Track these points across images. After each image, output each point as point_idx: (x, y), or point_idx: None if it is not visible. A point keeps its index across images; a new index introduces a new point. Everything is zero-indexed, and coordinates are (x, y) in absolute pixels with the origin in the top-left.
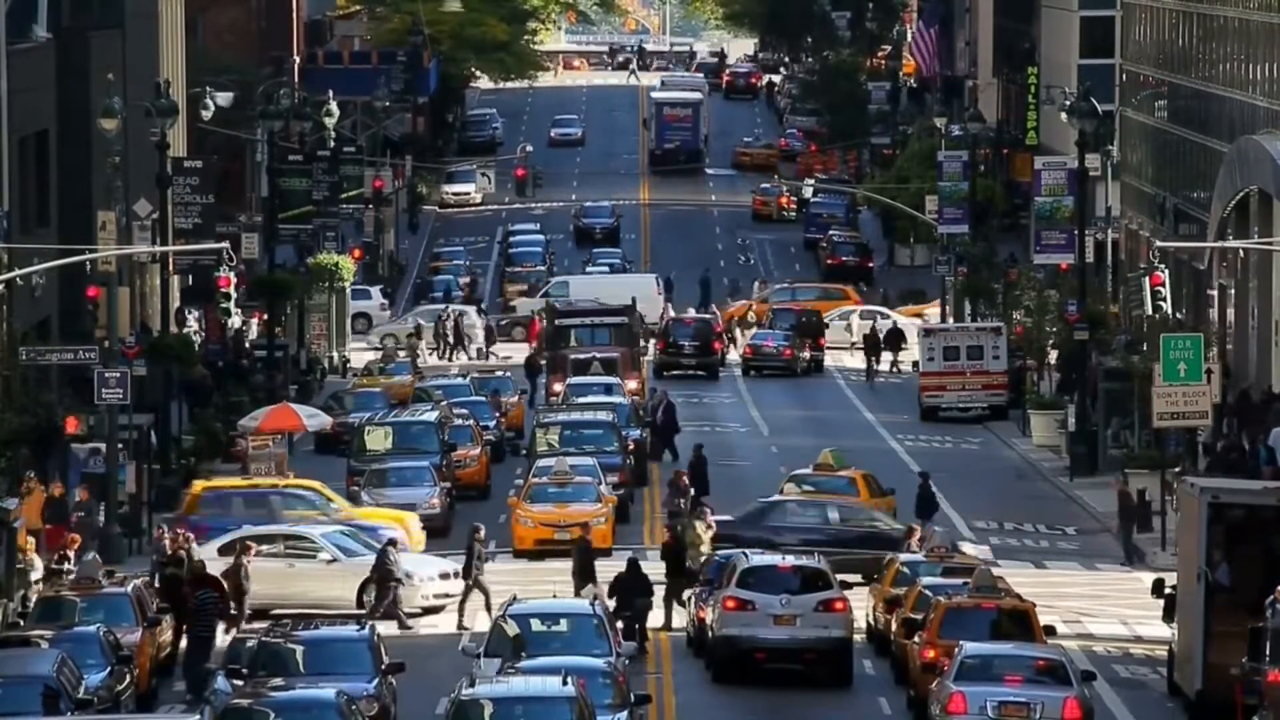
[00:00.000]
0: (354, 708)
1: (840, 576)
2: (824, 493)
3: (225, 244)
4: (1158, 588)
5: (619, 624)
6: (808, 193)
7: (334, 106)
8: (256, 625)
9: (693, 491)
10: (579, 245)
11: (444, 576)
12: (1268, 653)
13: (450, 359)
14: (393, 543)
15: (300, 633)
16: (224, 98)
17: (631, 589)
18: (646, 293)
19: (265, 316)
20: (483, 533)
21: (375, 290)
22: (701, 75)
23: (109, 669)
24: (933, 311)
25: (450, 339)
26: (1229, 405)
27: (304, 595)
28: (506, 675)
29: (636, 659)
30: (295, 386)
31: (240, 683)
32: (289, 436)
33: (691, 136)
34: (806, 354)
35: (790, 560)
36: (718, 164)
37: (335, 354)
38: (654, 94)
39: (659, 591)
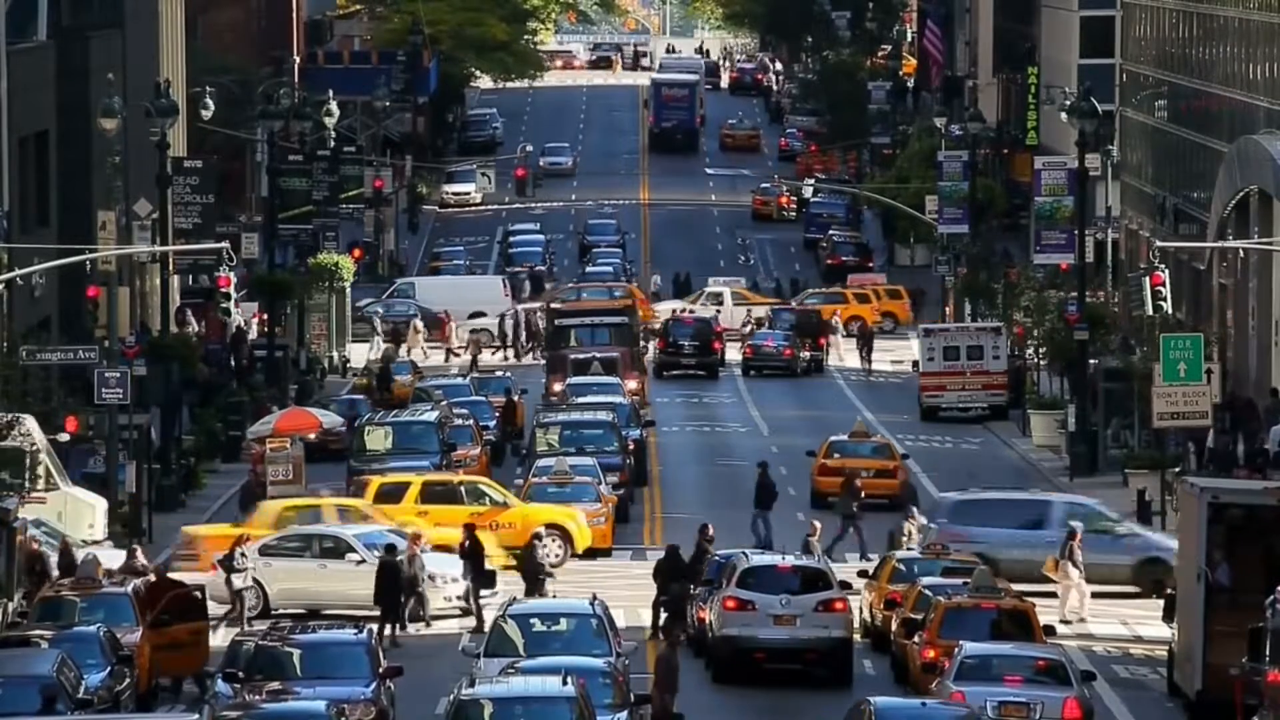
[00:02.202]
0: (344, 718)
1: None
2: (859, 457)
3: (225, 244)
4: (1158, 588)
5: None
6: (808, 193)
7: (334, 106)
8: (257, 627)
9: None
10: (581, 258)
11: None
12: (1268, 653)
13: (519, 358)
14: (538, 536)
15: (297, 636)
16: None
17: (669, 575)
18: (493, 295)
19: (265, 316)
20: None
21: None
22: (700, 58)
23: (109, 669)
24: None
25: (524, 336)
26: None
27: (334, 595)
28: (507, 675)
29: (682, 645)
30: (295, 387)
31: (237, 686)
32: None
33: (688, 116)
34: (806, 354)
35: (790, 560)
36: (717, 163)
37: (335, 354)
38: (653, 75)
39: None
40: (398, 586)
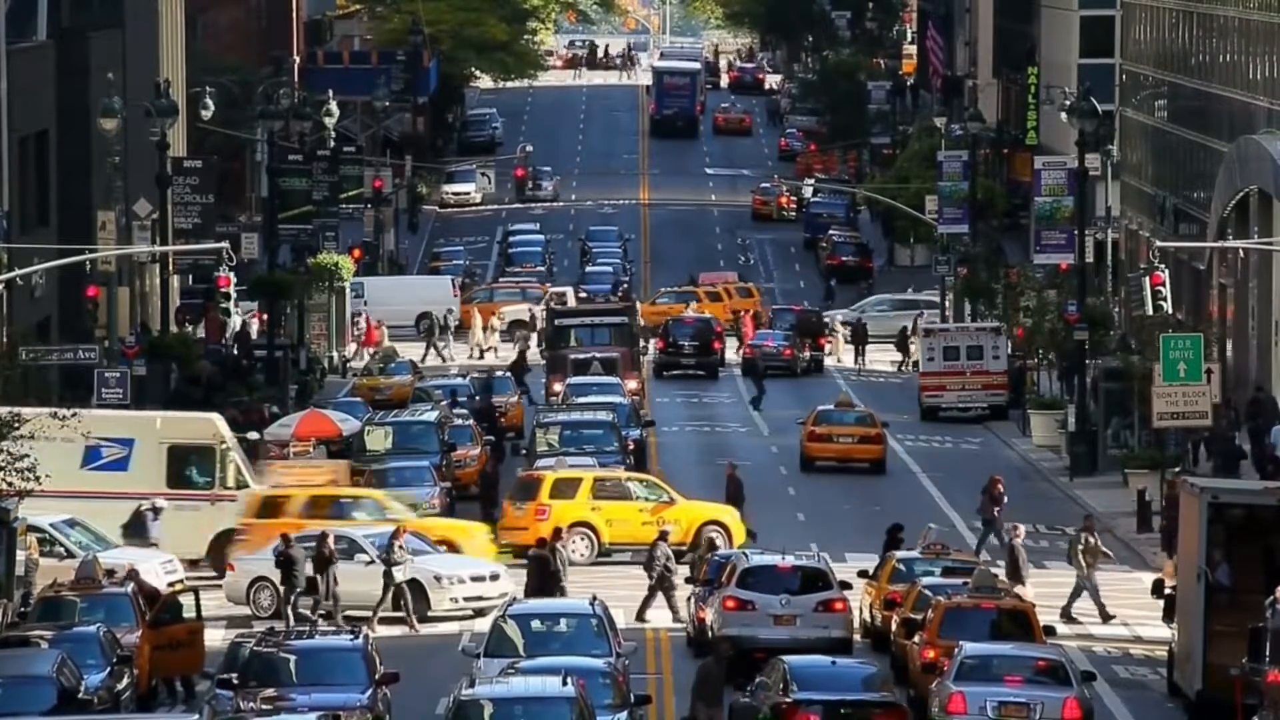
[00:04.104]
0: None
1: None
2: (844, 425)
3: (225, 244)
4: (1158, 588)
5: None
6: (808, 193)
7: (334, 106)
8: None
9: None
10: (582, 259)
11: (476, 579)
12: (1268, 653)
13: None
14: (664, 536)
15: (293, 642)
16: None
17: None
18: (442, 294)
19: (265, 316)
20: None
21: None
22: (701, 48)
23: (109, 669)
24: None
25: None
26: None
27: (344, 595)
28: (506, 676)
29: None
30: (295, 387)
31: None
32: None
33: (689, 103)
34: (806, 354)
35: (790, 560)
36: (716, 161)
37: (335, 354)
38: (655, 64)
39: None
40: (548, 580)
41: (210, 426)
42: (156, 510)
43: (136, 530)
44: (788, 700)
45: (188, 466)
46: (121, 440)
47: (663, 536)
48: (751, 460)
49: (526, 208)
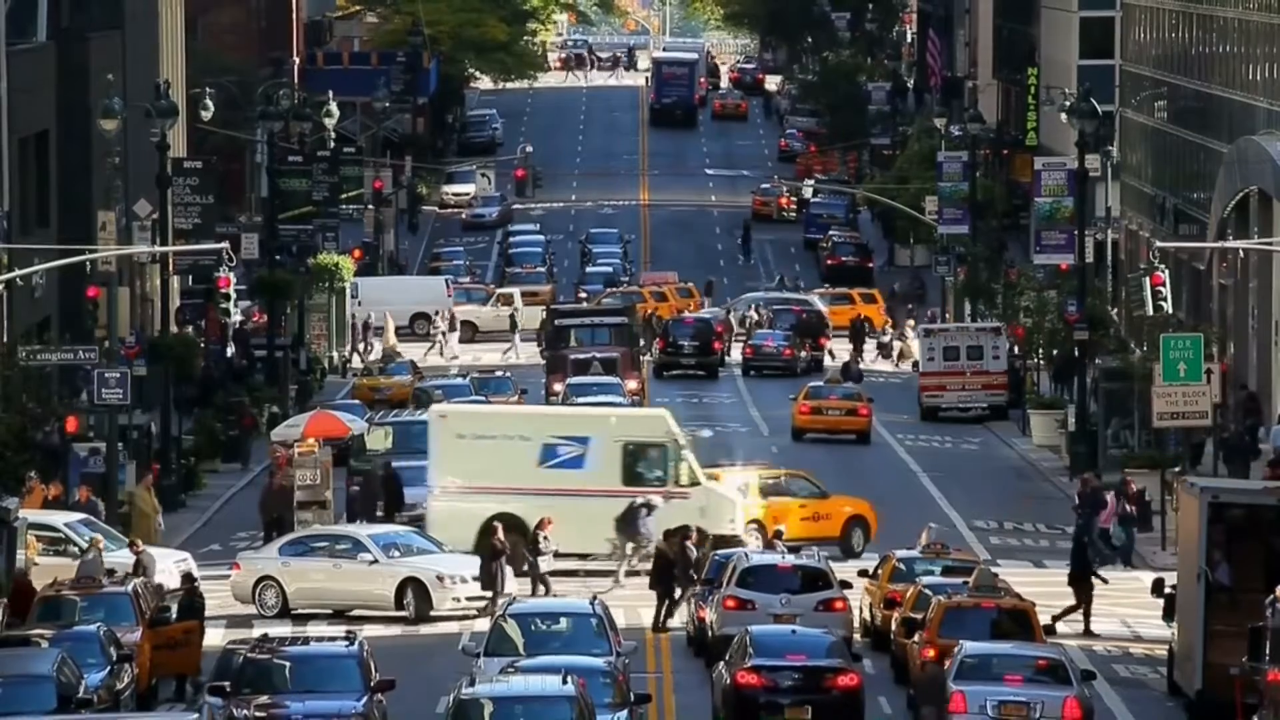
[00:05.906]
0: None
1: None
2: (832, 399)
3: (225, 244)
4: (1158, 587)
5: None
6: (807, 193)
7: (334, 107)
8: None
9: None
10: (582, 258)
11: (479, 579)
12: (1268, 653)
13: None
14: (778, 535)
15: (287, 648)
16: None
17: None
18: (436, 295)
19: (264, 317)
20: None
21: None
22: (702, 42)
23: (109, 668)
24: None
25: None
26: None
27: (348, 595)
28: (506, 675)
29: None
30: (295, 387)
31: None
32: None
33: (688, 92)
34: (806, 354)
35: (790, 560)
36: (717, 163)
37: (335, 354)
38: (654, 55)
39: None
40: (669, 573)
41: (663, 424)
42: (650, 507)
43: (629, 524)
44: (744, 665)
45: (641, 463)
46: (578, 438)
47: (777, 536)
48: (751, 460)
49: (527, 208)
